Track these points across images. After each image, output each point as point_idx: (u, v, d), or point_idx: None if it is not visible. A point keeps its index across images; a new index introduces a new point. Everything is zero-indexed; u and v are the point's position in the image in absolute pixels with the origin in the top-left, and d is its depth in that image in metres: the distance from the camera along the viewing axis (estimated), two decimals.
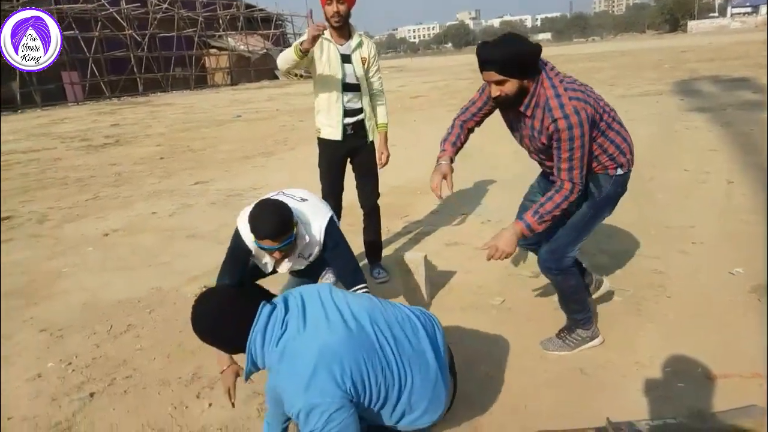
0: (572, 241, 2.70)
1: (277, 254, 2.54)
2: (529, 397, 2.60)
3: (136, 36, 36.68)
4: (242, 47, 43.66)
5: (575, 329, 2.92)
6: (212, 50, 43.35)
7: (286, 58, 3.48)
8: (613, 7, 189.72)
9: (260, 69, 43.73)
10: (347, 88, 3.69)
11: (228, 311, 1.83)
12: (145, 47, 37.29)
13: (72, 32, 32.38)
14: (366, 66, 3.73)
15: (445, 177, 2.67)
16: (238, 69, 43.17)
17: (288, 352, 1.77)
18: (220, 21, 43.32)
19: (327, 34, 3.62)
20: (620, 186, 2.66)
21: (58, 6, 31.71)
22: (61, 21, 31.56)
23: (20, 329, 3.70)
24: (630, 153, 2.63)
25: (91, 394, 2.88)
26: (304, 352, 1.76)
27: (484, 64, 2.34)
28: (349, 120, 3.75)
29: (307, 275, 3.05)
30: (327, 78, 3.66)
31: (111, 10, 34.68)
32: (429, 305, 3.54)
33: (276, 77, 41.04)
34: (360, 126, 3.81)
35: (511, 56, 2.28)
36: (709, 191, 5.44)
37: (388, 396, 1.88)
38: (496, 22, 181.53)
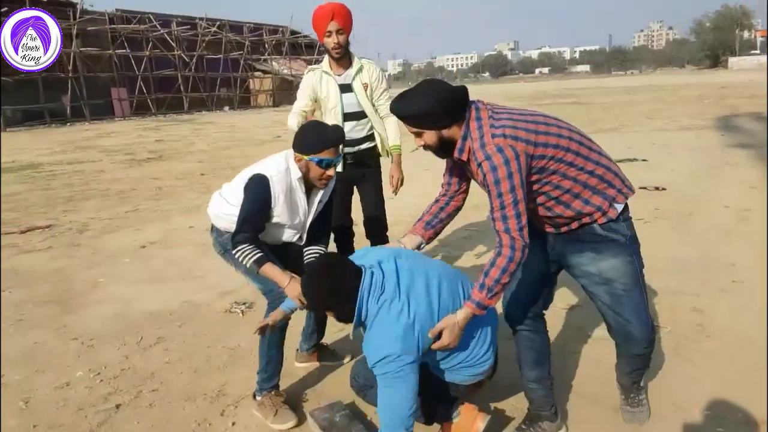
0: (644, 295, 2.35)
1: (332, 170, 2.56)
2: None
3: (184, 56, 37.76)
4: (285, 71, 44.54)
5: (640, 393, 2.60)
6: (257, 73, 44.32)
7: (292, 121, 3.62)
8: (653, 41, 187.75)
9: None
10: (348, 117, 3.68)
11: (341, 287, 2.13)
12: (193, 67, 38.34)
13: (124, 51, 33.59)
14: (369, 91, 3.71)
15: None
16: (281, 91, 44.00)
17: (385, 308, 2.12)
18: (266, 45, 44.31)
19: (325, 66, 3.66)
20: (629, 220, 2.32)
21: (112, 26, 32.96)
22: (113, 40, 32.87)
23: (54, 337, 3.77)
24: (620, 178, 2.25)
25: (117, 406, 2.90)
26: (399, 313, 2.11)
27: (398, 117, 2.27)
28: (350, 150, 3.70)
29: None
30: (328, 111, 3.70)
31: (162, 31, 35.87)
32: None
33: None
34: (361, 156, 3.78)
35: (418, 109, 2.12)
36: (751, 229, 5.27)
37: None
38: (534, 54, 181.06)
